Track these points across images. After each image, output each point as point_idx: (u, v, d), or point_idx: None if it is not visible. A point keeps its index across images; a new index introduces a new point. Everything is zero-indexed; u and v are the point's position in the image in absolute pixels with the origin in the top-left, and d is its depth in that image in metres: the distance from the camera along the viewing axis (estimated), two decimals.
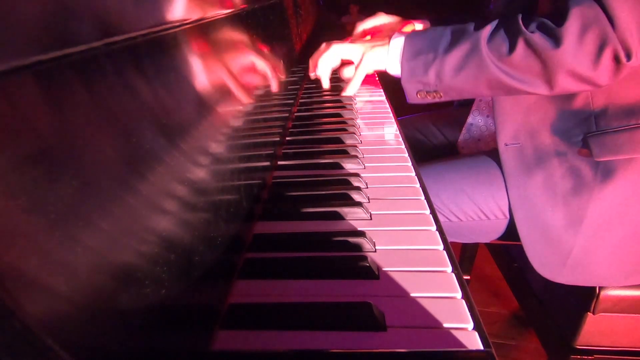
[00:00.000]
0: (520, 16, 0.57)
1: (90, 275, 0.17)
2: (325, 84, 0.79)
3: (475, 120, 0.85)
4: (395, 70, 0.68)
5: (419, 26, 0.93)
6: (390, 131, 0.72)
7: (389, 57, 0.68)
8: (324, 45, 0.78)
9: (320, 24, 1.56)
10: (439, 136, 0.96)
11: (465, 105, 0.91)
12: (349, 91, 0.76)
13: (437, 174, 0.72)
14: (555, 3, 0.57)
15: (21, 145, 0.15)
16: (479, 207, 0.70)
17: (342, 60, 0.76)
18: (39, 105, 0.16)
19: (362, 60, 0.71)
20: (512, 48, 0.56)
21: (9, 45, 0.15)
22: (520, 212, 0.65)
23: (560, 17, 0.53)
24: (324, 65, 0.76)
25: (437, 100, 0.65)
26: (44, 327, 0.15)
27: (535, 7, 0.64)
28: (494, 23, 0.60)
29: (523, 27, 0.56)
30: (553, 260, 0.64)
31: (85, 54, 0.19)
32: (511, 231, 0.71)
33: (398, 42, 0.66)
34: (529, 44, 0.55)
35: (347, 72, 0.77)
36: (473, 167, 0.72)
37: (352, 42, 0.76)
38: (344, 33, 1.04)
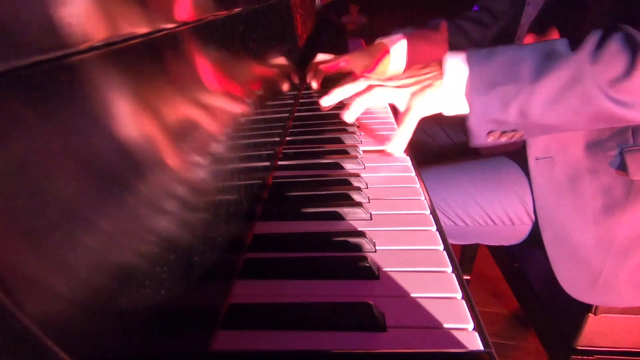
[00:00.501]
0: (632, 28, 0.46)
1: (91, 275, 0.17)
2: (351, 120, 0.62)
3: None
4: (456, 109, 0.54)
5: (395, 48, 0.79)
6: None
7: (447, 94, 0.53)
8: (361, 82, 0.60)
9: (320, 24, 1.56)
10: (442, 136, 0.93)
11: None
12: (393, 149, 0.59)
13: (445, 176, 0.70)
14: (617, 20, 0.48)
15: (21, 145, 0.15)
16: (486, 213, 0.68)
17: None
18: (39, 105, 0.16)
19: (411, 108, 0.56)
20: (632, 67, 0.45)
21: (9, 45, 0.15)
22: (549, 231, 0.62)
23: None
24: (358, 105, 0.59)
25: (512, 140, 0.54)
26: (44, 327, 0.15)
27: (580, 17, 0.58)
28: (594, 39, 0.47)
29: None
30: (583, 281, 0.61)
31: (86, 54, 0.19)
32: (516, 237, 0.70)
33: (459, 74, 0.51)
34: None
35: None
36: (482, 171, 0.69)
37: (394, 80, 0.59)
38: (344, 33, 1.04)
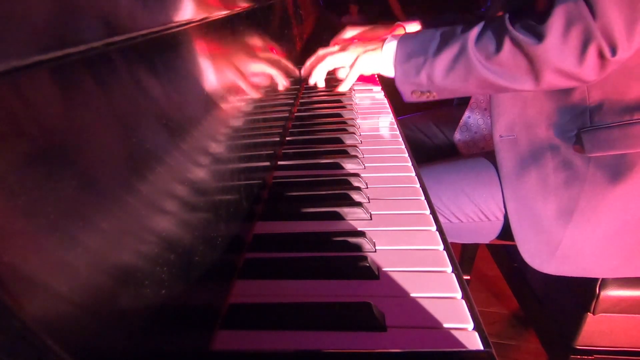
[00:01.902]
0: (507, 16, 0.59)
1: (91, 275, 0.17)
2: (321, 85, 0.87)
3: (472, 117, 0.85)
4: (389, 72, 0.71)
5: (410, 28, 0.96)
6: (386, 121, 0.74)
7: (382, 60, 0.71)
8: (319, 52, 0.84)
9: (320, 24, 1.56)
10: (440, 135, 0.96)
11: (464, 104, 0.92)
12: (342, 88, 0.84)
13: (438, 174, 0.72)
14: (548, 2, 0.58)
15: (21, 145, 0.15)
16: (479, 208, 0.70)
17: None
18: (39, 105, 0.16)
19: (355, 63, 0.76)
20: (499, 47, 0.58)
21: (9, 45, 0.15)
22: (513, 204, 0.66)
23: (545, 15, 0.54)
24: (318, 73, 0.83)
25: (432, 99, 0.68)
26: (44, 327, 0.15)
27: (533, 7, 0.65)
28: (481, 24, 0.62)
29: (509, 26, 0.57)
30: (542, 250, 0.64)
31: (85, 54, 0.19)
32: (510, 231, 0.71)
33: (391, 46, 0.69)
34: (514, 42, 0.57)
35: (341, 73, 0.83)
36: (473, 168, 0.72)
37: (343, 47, 0.80)
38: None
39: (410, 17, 1.01)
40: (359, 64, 0.75)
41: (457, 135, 0.88)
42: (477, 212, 0.70)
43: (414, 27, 0.97)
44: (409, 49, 0.67)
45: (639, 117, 0.59)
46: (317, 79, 0.84)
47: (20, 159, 0.15)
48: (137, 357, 0.20)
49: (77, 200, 0.17)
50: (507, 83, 0.60)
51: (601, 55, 0.52)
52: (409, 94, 0.69)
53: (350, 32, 1.00)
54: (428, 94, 0.68)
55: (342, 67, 0.81)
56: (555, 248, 0.63)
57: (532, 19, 0.56)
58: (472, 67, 0.61)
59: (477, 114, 0.85)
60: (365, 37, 0.98)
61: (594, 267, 0.64)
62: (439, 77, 0.64)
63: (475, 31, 0.61)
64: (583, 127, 0.62)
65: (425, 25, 0.97)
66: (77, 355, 0.16)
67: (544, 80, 0.57)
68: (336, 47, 0.82)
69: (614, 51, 0.52)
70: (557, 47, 0.54)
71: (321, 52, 0.84)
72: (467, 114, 0.86)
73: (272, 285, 0.35)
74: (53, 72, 0.17)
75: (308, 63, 0.87)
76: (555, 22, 0.53)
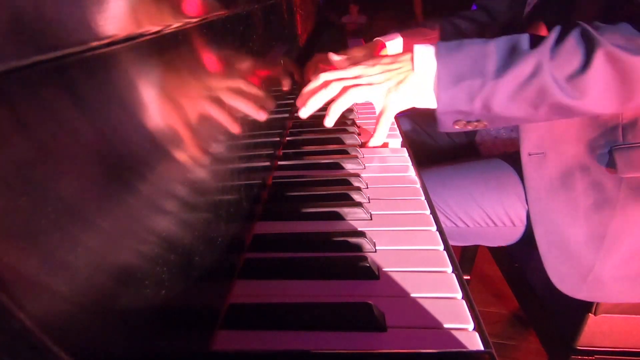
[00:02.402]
0: (588, 25, 0.48)
1: (91, 275, 0.17)
2: (330, 123, 0.59)
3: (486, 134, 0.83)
4: (426, 102, 0.55)
5: (390, 43, 0.81)
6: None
7: (419, 88, 0.54)
8: (334, 85, 0.57)
9: (321, 24, 1.56)
10: (444, 137, 0.93)
11: None
12: (373, 142, 0.63)
13: (445, 178, 0.70)
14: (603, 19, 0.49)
15: (21, 145, 0.15)
16: (487, 214, 0.68)
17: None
18: (39, 106, 0.16)
19: (387, 106, 0.57)
20: (587, 63, 0.47)
21: (9, 45, 0.15)
22: (541, 226, 0.63)
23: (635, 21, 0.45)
24: (337, 111, 0.57)
25: (478, 128, 0.56)
26: (44, 327, 0.15)
27: (572, 7, 0.59)
28: (554, 35, 0.49)
29: (600, 37, 0.46)
30: (573, 276, 0.62)
31: (86, 54, 0.19)
32: (517, 238, 0.70)
33: (429, 66, 0.52)
34: (610, 57, 0.46)
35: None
36: (482, 172, 0.69)
37: (362, 72, 0.57)
38: (344, 33, 1.04)
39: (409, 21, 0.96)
40: (391, 105, 0.56)
41: (478, 137, 0.84)
42: (485, 217, 0.68)
43: (395, 42, 0.83)
44: (458, 69, 0.51)
45: None
46: (333, 120, 0.58)
47: (20, 159, 0.15)
48: (137, 357, 0.20)
49: (78, 201, 0.17)
50: (588, 107, 0.49)
51: None
52: (449, 125, 0.54)
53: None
54: (476, 123, 0.54)
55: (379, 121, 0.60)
56: (586, 274, 0.60)
57: (629, 25, 0.46)
58: (547, 91, 0.48)
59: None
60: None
61: (628, 293, 0.61)
62: (501, 104, 0.50)
63: (549, 44, 0.48)
64: (615, 144, 0.58)
65: (407, 37, 0.83)
66: (77, 356, 0.16)
67: (634, 100, 0.48)
68: (351, 71, 0.57)
69: None
70: None
71: (331, 76, 0.58)
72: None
73: (272, 285, 0.35)
74: (53, 72, 0.17)
75: (308, 89, 0.59)
76: None
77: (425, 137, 0.94)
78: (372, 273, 0.35)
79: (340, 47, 0.95)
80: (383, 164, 0.57)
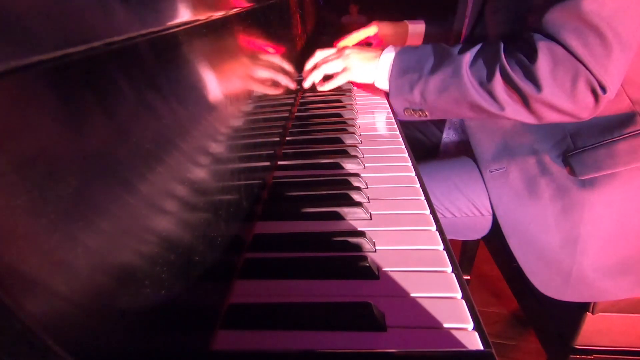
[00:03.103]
0: (502, 45, 0.58)
1: (91, 275, 0.17)
2: (308, 85, 0.83)
3: (450, 137, 0.86)
4: (383, 85, 0.71)
5: (412, 27, 0.97)
6: (386, 120, 0.74)
7: (378, 71, 0.70)
8: (317, 54, 0.82)
9: (320, 24, 1.56)
10: (437, 133, 0.96)
11: None
12: (323, 87, 0.82)
13: (431, 171, 0.73)
14: (526, 32, 0.57)
15: (21, 145, 0.15)
16: (472, 203, 0.70)
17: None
18: (39, 105, 0.16)
19: (349, 69, 0.75)
20: (491, 76, 0.57)
21: (9, 45, 0.15)
22: (514, 238, 0.65)
23: (532, 53, 0.54)
24: (312, 78, 0.81)
25: (423, 118, 0.67)
26: (44, 327, 0.15)
27: (522, 22, 0.64)
28: (478, 47, 0.61)
29: (503, 57, 0.56)
30: (556, 280, 0.63)
31: (86, 54, 0.19)
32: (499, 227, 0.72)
33: (388, 58, 0.68)
34: (505, 77, 0.56)
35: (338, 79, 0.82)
36: (465, 164, 0.73)
37: (340, 52, 0.78)
38: (344, 33, 1.04)
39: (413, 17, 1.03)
40: (353, 70, 0.74)
41: (445, 138, 0.88)
42: (470, 206, 0.71)
43: (414, 24, 0.99)
44: (405, 64, 0.66)
45: (619, 134, 0.59)
46: (311, 83, 0.83)
47: (20, 158, 0.15)
48: (138, 357, 0.20)
49: (77, 200, 0.17)
50: (499, 112, 0.59)
51: (594, 92, 0.53)
52: (401, 111, 0.69)
53: (356, 37, 0.98)
54: (420, 112, 0.67)
55: (337, 72, 0.80)
56: (568, 276, 0.62)
57: (522, 50, 0.55)
58: (465, 91, 0.59)
59: (453, 134, 0.86)
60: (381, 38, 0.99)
61: (611, 289, 0.63)
62: (432, 96, 0.63)
63: (470, 54, 0.60)
64: (568, 151, 0.62)
65: (430, 25, 0.97)
66: (77, 355, 0.16)
67: (541, 116, 0.57)
68: (333, 51, 0.81)
69: (603, 89, 0.52)
70: (550, 88, 0.53)
71: (319, 54, 0.82)
72: (444, 135, 0.86)
73: (272, 285, 0.35)
74: (53, 72, 0.17)
75: (307, 66, 0.85)
76: (544, 62, 0.52)
77: (418, 134, 0.98)
78: (372, 273, 0.35)
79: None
80: (383, 164, 0.57)
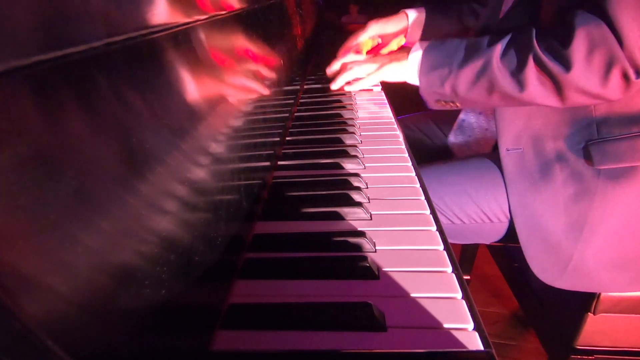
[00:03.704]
0: (534, 32, 0.58)
1: (90, 275, 0.17)
2: (337, 87, 0.89)
3: (467, 120, 0.85)
4: (414, 81, 0.72)
5: (412, 14, 0.97)
6: (386, 120, 0.75)
7: (408, 69, 0.72)
8: (348, 58, 0.87)
9: (320, 24, 1.56)
10: (440, 135, 0.96)
11: None
12: (352, 87, 0.86)
13: (441, 175, 0.72)
14: (561, 17, 0.57)
15: (21, 145, 0.15)
16: (482, 210, 0.69)
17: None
18: (39, 106, 0.16)
19: (380, 69, 0.78)
20: (523, 65, 0.58)
21: (9, 45, 0.15)
22: (521, 218, 0.65)
23: (567, 37, 0.54)
24: (342, 80, 0.86)
25: (455, 108, 0.70)
26: (44, 327, 0.15)
27: (537, 15, 0.65)
28: (508, 38, 0.61)
29: (535, 45, 0.57)
30: (553, 266, 0.63)
31: (85, 54, 0.19)
32: (513, 234, 0.71)
33: (416, 56, 0.70)
34: (539, 64, 0.57)
35: (365, 83, 0.85)
36: (476, 169, 0.72)
37: (370, 58, 0.82)
38: (344, 33, 1.04)
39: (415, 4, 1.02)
40: (385, 70, 0.77)
41: (452, 138, 0.88)
42: (480, 213, 0.70)
43: (413, 14, 0.98)
44: (434, 60, 0.67)
45: None
46: (340, 85, 0.87)
47: (20, 158, 0.15)
48: (138, 357, 0.20)
49: (77, 200, 0.17)
50: (532, 99, 0.60)
51: (625, 77, 0.53)
52: (433, 102, 0.71)
53: (373, 28, 0.97)
54: (452, 103, 0.69)
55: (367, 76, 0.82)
56: (566, 263, 0.63)
57: (555, 38, 0.56)
58: (496, 82, 0.60)
59: (472, 117, 0.85)
60: (383, 37, 0.99)
61: (607, 282, 0.63)
62: (463, 89, 0.64)
63: (501, 45, 0.61)
64: (590, 139, 0.62)
65: (430, 12, 0.97)
66: (77, 356, 0.16)
67: (568, 99, 0.58)
68: (363, 57, 0.85)
69: (638, 72, 0.52)
70: (582, 72, 0.54)
71: (350, 58, 0.86)
72: (461, 116, 0.86)
73: (272, 285, 0.35)
74: (53, 72, 0.17)
75: (334, 66, 0.89)
76: (580, 47, 0.53)
77: (422, 136, 0.97)
78: (372, 273, 0.35)
79: (339, 47, 0.96)
80: (383, 164, 0.57)
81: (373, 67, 0.79)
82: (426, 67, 0.68)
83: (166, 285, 0.23)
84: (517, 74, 0.59)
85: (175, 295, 0.24)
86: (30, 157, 0.15)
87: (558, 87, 0.57)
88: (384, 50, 0.95)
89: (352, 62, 0.84)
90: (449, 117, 0.96)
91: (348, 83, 0.87)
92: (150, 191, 0.23)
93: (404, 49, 0.75)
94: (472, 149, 0.86)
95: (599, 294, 0.66)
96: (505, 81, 0.60)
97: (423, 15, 0.98)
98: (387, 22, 0.97)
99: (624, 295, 0.66)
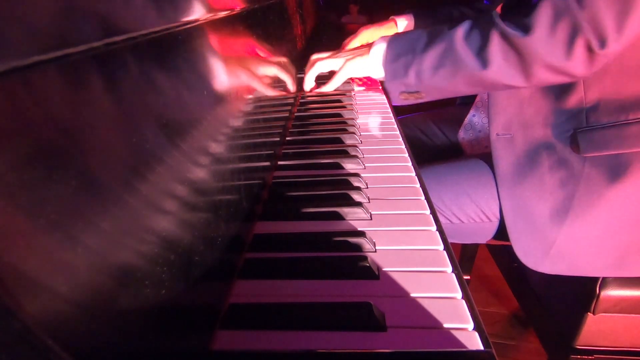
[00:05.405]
0: (495, 12, 0.59)
1: (91, 275, 0.17)
2: (308, 87, 0.86)
3: (477, 116, 0.86)
4: (378, 74, 0.72)
5: (402, 22, 0.98)
6: (386, 120, 0.75)
7: (371, 62, 0.72)
8: (312, 57, 0.85)
9: (320, 24, 1.56)
10: (440, 135, 0.96)
11: (466, 104, 0.92)
12: (324, 88, 0.84)
13: (439, 175, 0.72)
14: None
15: (21, 145, 0.15)
16: (481, 209, 0.70)
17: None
18: (39, 105, 0.16)
19: (343, 66, 0.77)
20: (487, 41, 0.58)
21: (9, 45, 0.15)
22: (508, 202, 0.67)
23: (531, 8, 0.54)
24: (308, 79, 0.84)
25: (419, 100, 0.69)
26: (44, 327, 0.15)
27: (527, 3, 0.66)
28: (470, 21, 0.62)
29: (497, 20, 0.57)
30: (537, 249, 0.65)
31: (85, 54, 0.19)
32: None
33: (379, 48, 0.70)
34: (502, 35, 0.57)
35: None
36: (475, 169, 0.72)
37: (334, 53, 0.82)
38: (344, 33, 1.05)
39: (404, 12, 1.02)
40: (347, 67, 0.76)
41: (462, 134, 0.88)
42: (479, 212, 0.70)
43: (403, 21, 0.99)
44: (398, 48, 0.67)
45: (634, 117, 0.59)
46: (308, 84, 0.85)
47: (20, 158, 0.15)
48: (138, 357, 0.20)
49: (78, 200, 0.17)
50: (497, 79, 0.59)
51: (589, 49, 0.52)
52: (397, 96, 0.70)
53: (364, 34, 0.98)
54: (416, 94, 0.68)
55: (331, 71, 0.81)
56: (549, 247, 0.64)
57: (519, 12, 0.56)
58: (460, 63, 0.60)
59: (482, 112, 0.85)
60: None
61: (588, 266, 0.64)
62: (428, 74, 0.64)
63: (463, 27, 0.61)
64: (579, 127, 0.62)
65: (420, 18, 0.98)
66: (77, 356, 0.16)
67: (533, 75, 0.57)
68: (327, 54, 0.83)
69: (602, 44, 0.51)
70: (544, 39, 0.53)
71: (313, 57, 0.85)
72: (472, 112, 0.86)
73: (272, 285, 0.35)
74: (53, 72, 0.17)
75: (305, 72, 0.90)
76: (542, 14, 0.53)
77: (421, 136, 0.97)
78: (372, 273, 0.35)
79: (339, 47, 0.96)
80: (383, 164, 0.58)
81: (336, 63, 0.79)
82: (391, 56, 0.67)
83: (166, 285, 0.23)
84: (481, 51, 0.59)
85: (176, 295, 0.24)
86: (30, 157, 0.15)
87: (522, 61, 0.56)
88: (351, 45, 0.95)
89: (315, 59, 0.83)
90: (450, 118, 0.96)
91: (319, 86, 0.85)
92: (150, 191, 0.23)
93: (368, 44, 0.75)
94: (482, 144, 0.86)
95: (599, 293, 0.66)
96: (468, 58, 0.59)
97: (412, 22, 0.99)
98: (379, 29, 0.98)
99: (623, 294, 0.66)
